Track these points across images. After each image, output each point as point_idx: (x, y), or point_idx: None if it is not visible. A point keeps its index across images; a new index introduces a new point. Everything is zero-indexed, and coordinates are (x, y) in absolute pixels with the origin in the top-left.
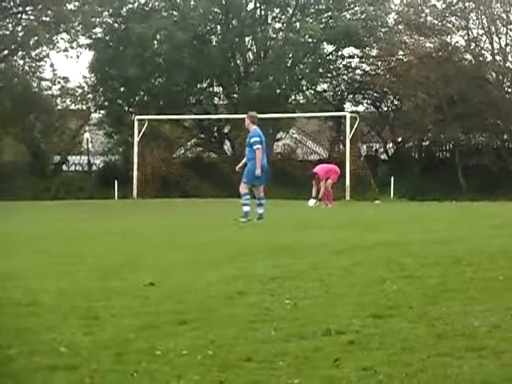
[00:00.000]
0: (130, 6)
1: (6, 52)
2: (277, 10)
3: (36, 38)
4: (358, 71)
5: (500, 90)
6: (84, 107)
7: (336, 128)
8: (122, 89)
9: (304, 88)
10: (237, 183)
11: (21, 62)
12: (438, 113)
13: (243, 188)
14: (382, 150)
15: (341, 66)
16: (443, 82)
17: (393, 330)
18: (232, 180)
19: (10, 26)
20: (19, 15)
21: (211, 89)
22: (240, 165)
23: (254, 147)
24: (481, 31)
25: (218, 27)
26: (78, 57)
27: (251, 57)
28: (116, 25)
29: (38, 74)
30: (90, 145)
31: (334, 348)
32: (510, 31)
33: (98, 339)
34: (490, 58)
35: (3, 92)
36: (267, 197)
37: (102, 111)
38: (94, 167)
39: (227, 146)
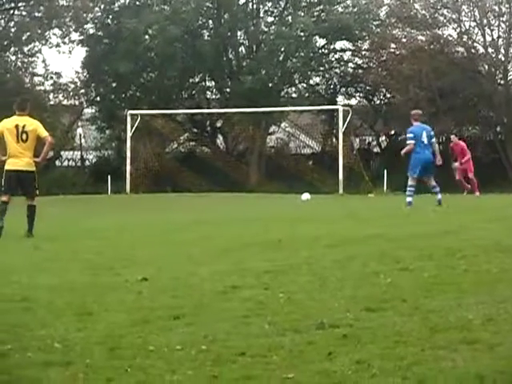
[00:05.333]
0: (122, 1)
1: None
2: (269, 4)
3: (28, 33)
4: (350, 64)
5: (492, 83)
6: (76, 102)
7: (329, 121)
8: (114, 84)
9: (296, 82)
10: (229, 177)
11: (13, 57)
12: (430, 105)
13: (409, 180)
14: (374, 143)
15: (333, 59)
16: (435, 75)
17: (386, 324)
18: (225, 174)
19: (2, 21)
20: (11, 11)
21: (203, 83)
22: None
23: (407, 142)
24: (473, 24)
25: (210, 21)
26: (70, 52)
27: (243, 51)
28: (108, 20)
29: (30, 69)
30: (82, 140)
31: (327, 342)
32: (502, 23)
33: (92, 335)
34: (482, 50)
35: None
36: (260, 190)
37: (95, 106)
38: (87, 162)
39: (220, 140)
